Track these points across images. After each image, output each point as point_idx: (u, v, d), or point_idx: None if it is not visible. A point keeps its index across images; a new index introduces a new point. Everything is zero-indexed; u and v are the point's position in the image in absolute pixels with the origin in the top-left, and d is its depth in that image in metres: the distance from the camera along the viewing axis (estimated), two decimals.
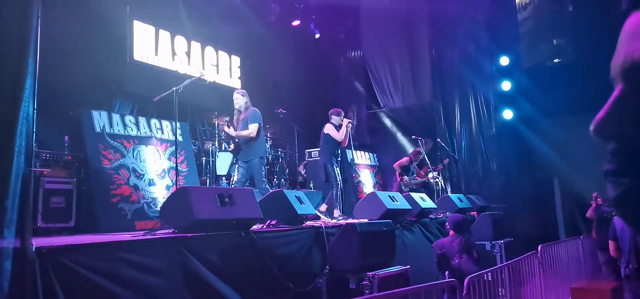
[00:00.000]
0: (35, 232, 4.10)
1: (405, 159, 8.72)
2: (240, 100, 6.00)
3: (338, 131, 6.86)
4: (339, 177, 6.85)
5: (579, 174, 8.57)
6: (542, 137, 9.35)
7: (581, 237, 6.87)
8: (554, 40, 9.73)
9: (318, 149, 9.39)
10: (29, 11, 2.53)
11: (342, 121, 6.95)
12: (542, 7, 9.87)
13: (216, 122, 7.62)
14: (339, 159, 7.11)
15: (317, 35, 11.37)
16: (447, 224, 5.49)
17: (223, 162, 7.43)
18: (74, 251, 2.77)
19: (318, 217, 5.64)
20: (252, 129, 5.75)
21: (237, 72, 9.73)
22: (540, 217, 9.06)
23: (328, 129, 6.91)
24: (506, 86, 9.75)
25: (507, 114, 9.71)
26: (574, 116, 9.00)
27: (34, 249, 2.43)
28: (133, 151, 5.82)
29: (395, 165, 8.80)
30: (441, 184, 8.65)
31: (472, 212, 7.88)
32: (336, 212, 6.69)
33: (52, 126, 5.54)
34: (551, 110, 9.01)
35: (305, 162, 9.60)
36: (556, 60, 9.62)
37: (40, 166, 4.82)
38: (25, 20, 2.51)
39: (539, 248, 5.45)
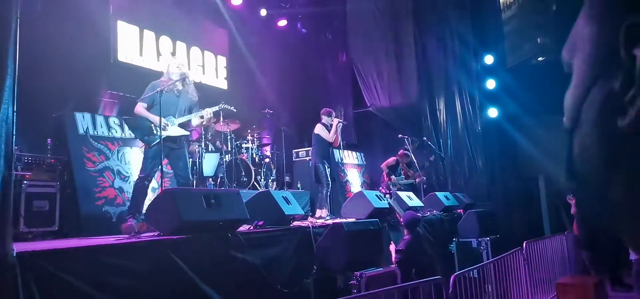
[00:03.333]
0: (17, 237, 4.03)
1: (392, 159, 8.76)
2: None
3: (329, 131, 6.85)
4: (329, 178, 6.85)
5: (563, 171, 8.67)
6: (527, 135, 9.46)
7: (565, 233, 6.96)
8: (538, 39, 9.85)
9: (305, 149, 9.42)
10: (8, 12, 2.48)
11: (332, 121, 6.94)
12: (526, 6, 9.99)
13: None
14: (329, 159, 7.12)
15: (304, 31, 11.35)
16: (403, 222, 5.52)
17: (209, 163, 7.37)
18: (56, 255, 2.72)
19: (306, 218, 5.64)
20: None
21: (223, 72, 9.68)
22: (526, 214, 9.18)
23: (318, 129, 6.90)
24: (491, 84, 9.85)
25: (492, 113, 9.80)
26: (559, 114, 8.92)
27: (14, 255, 2.38)
28: (118, 153, 5.76)
29: (382, 165, 8.84)
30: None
31: (458, 210, 7.95)
32: (324, 212, 6.69)
33: (35, 128, 5.45)
34: (536, 108, 9.12)
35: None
36: (540, 58, 9.74)
37: (22, 169, 4.75)
38: (4, 21, 2.46)
39: (524, 244, 5.51)
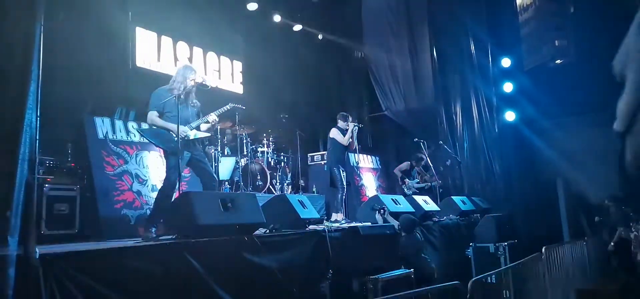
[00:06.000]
0: (39, 239, 4.11)
1: (405, 164, 8.73)
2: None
3: (344, 135, 6.86)
4: (344, 182, 6.85)
5: (582, 174, 8.54)
6: (544, 139, 9.33)
7: (585, 239, 6.83)
8: (556, 42, 9.69)
9: (320, 153, 9.43)
10: (32, 21, 2.55)
11: (348, 125, 6.94)
12: (543, 8, 9.85)
13: (219, 127, 7.63)
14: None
15: (320, 36, 11.36)
16: (399, 225, 5.49)
17: (226, 167, 7.43)
18: (77, 257, 2.78)
19: (321, 221, 5.64)
20: None
21: (239, 77, 9.76)
22: (544, 218, 9.02)
23: (334, 133, 6.92)
24: (508, 87, 9.73)
25: (510, 116, 9.68)
26: (576, 116, 8.99)
27: (37, 256, 2.44)
28: (136, 157, 5.84)
29: (395, 170, 8.82)
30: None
31: (475, 214, 7.86)
32: (340, 216, 6.69)
33: (56, 133, 5.56)
34: (553, 111, 8.99)
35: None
36: (558, 61, 9.59)
37: (43, 173, 4.85)
38: (29, 29, 2.53)
39: (544, 249, 5.43)
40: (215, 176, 4.72)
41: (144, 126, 5.77)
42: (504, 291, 4.68)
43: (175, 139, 4.39)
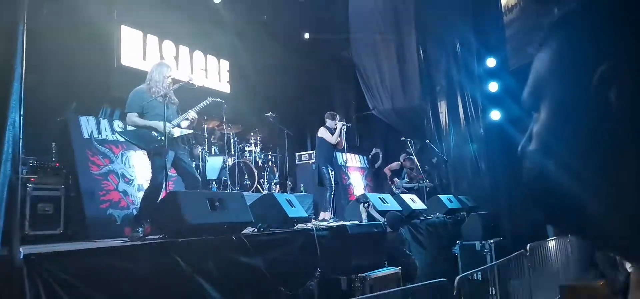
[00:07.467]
0: (22, 239, 4.05)
1: (395, 164, 8.79)
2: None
3: (332, 134, 6.88)
4: (332, 181, 6.88)
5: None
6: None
7: (569, 236, 6.94)
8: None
9: (308, 152, 9.44)
10: (15, 20, 2.52)
11: (336, 124, 6.96)
12: (528, 9, 9.98)
13: (206, 126, 7.60)
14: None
15: (307, 35, 11.36)
16: (386, 221, 5.59)
17: (213, 166, 7.40)
18: (62, 258, 2.75)
19: (309, 220, 5.65)
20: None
21: (226, 76, 9.72)
22: (529, 216, 9.13)
23: (322, 133, 6.94)
24: (493, 87, 9.84)
25: (495, 115, 9.79)
26: None
27: (22, 257, 2.41)
28: (122, 156, 5.78)
29: (385, 169, 8.86)
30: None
31: (462, 213, 7.94)
32: (328, 215, 6.70)
33: (40, 132, 5.49)
34: (538, 111, 9.10)
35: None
36: None
37: (27, 172, 4.77)
38: (12, 29, 2.50)
39: (528, 246, 5.51)
40: (198, 176, 4.68)
41: (120, 126, 5.73)
42: (490, 288, 4.75)
43: (159, 138, 4.35)
